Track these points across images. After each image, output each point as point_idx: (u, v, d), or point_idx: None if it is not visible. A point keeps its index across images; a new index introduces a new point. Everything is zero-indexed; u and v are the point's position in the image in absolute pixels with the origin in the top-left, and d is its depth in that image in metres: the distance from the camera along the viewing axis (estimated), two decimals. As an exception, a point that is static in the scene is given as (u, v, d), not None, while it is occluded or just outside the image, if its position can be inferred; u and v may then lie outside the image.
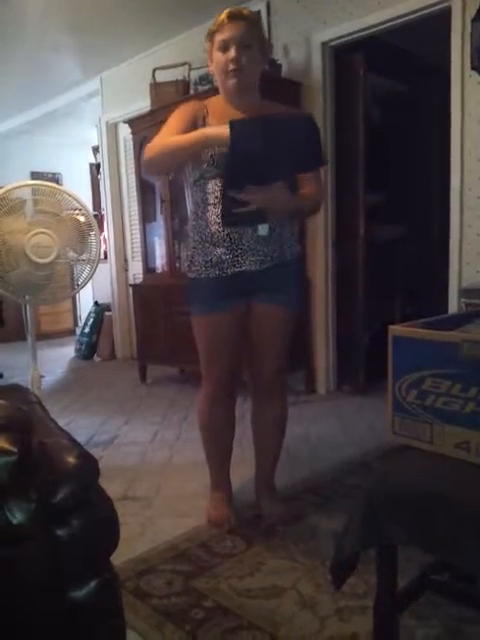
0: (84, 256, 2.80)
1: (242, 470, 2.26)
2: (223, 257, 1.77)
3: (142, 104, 4.23)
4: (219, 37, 1.75)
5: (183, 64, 3.85)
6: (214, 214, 1.76)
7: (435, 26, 2.99)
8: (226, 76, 1.77)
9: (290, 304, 1.90)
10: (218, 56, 1.76)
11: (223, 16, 1.76)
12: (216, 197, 1.74)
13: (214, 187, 1.75)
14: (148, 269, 4.35)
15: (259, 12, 1.87)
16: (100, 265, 3.03)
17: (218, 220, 1.74)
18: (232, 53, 1.73)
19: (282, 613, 1.49)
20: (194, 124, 1.78)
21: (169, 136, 1.74)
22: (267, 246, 1.78)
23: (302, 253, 1.90)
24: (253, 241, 1.76)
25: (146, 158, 1.74)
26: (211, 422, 1.98)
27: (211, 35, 1.78)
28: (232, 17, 1.75)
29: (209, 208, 1.77)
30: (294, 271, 1.90)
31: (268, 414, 2.01)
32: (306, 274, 3.61)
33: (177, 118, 1.81)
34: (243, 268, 1.78)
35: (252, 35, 1.76)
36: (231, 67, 1.74)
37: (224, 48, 1.74)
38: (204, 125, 1.77)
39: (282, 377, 2.01)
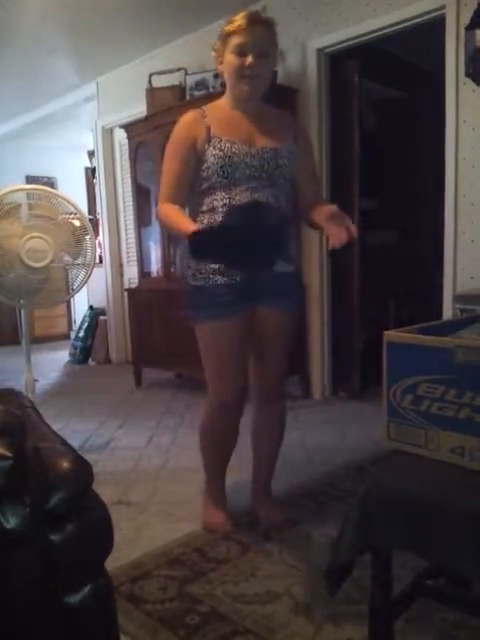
0: (79, 260, 2.80)
1: (237, 475, 2.25)
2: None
3: (138, 109, 4.24)
4: (236, 40, 1.68)
5: (179, 69, 3.87)
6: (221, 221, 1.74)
7: (429, 33, 3.01)
8: (240, 80, 1.72)
9: (294, 308, 1.92)
10: (232, 59, 1.70)
11: (242, 19, 1.69)
12: (224, 204, 1.73)
13: (222, 194, 1.73)
14: (143, 273, 4.35)
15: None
16: (95, 269, 3.02)
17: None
18: (250, 59, 1.68)
19: (277, 619, 1.48)
20: (193, 150, 1.73)
21: (171, 182, 1.76)
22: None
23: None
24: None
25: (157, 217, 1.88)
26: (217, 433, 1.95)
27: (226, 36, 1.71)
28: (252, 21, 1.69)
29: (217, 216, 1.74)
30: (297, 276, 1.94)
31: (269, 419, 2.00)
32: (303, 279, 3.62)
33: (173, 157, 1.77)
34: (250, 276, 1.77)
35: (270, 42, 1.73)
36: (248, 73, 1.70)
37: (240, 53, 1.69)
38: (208, 140, 1.72)
39: (284, 381, 2.02)
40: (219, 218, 1.73)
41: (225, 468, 2.03)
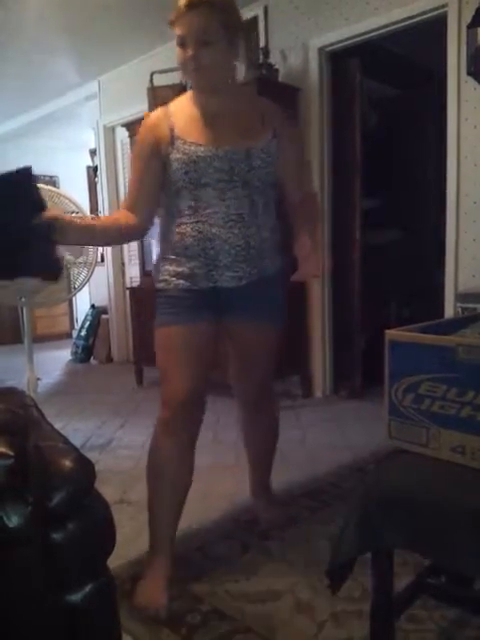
0: (81, 259, 2.80)
1: (238, 474, 2.26)
2: (196, 271, 1.59)
3: (140, 107, 4.24)
4: (176, 30, 1.50)
5: (180, 68, 3.86)
6: (189, 226, 1.58)
7: (431, 32, 3.00)
8: (186, 75, 1.57)
9: (272, 321, 1.73)
10: (177, 51, 1.52)
11: (181, 3, 1.48)
12: (189, 207, 1.58)
13: (188, 196, 1.57)
14: (145, 272, 4.35)
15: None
16: (97, 268, 3.03)
17: (193, 233, 1.57)
18: (189, 52, 1.49)
19: (278, 617, 1.48)
20: (156, 153, 1.58)
21: (130, 188, 1.66)
22: (246, 262, 1.60)
23: (286, 265, 1.72)
24: (231, 258, 1.58)
25: None
26: (162, 459, 1.62)
27: (171, 25, 1.53)
28: (190, 5, 1.47)
29: (183, 220, 1.59)
30: (275, 286, 1.70)
31: (258, 426, 1.95)
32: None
33: (134, 163, 1.66)
34: (218, 284, 1.60)
35: (215, 26, 1.48)
36: (190, 66, 1.51)
37: (181, 44, 1.50)
38: (172, 142, 1.56)
39: (269, 391, 1.91)
40: (186, 220, 1.59)
41: (175, 519, 1.64)
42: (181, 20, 1.49)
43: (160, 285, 1.66)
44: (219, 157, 1.54)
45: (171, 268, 1.63)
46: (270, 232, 1.65)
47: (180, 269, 1.61)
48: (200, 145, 1.55)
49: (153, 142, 1.59)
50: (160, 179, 1.61)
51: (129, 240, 1.89)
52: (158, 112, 1.64)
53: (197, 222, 1.57)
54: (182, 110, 1.62)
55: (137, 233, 1.69)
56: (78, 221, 1.53)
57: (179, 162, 1.55)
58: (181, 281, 1.61)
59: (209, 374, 1.69)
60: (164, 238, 1.67)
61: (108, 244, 2.58)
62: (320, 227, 1.75)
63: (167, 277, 1.63)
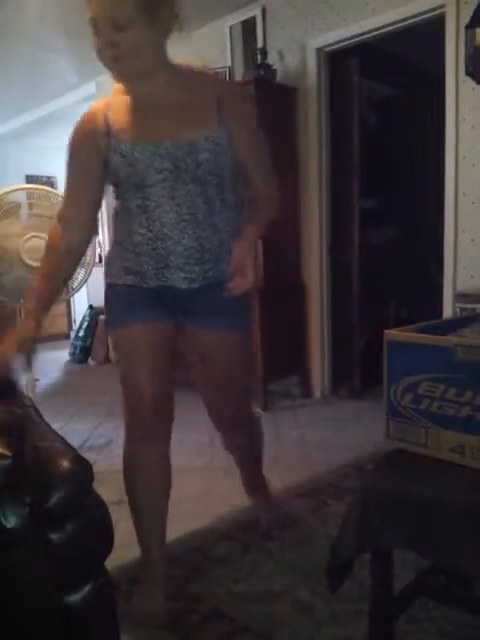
0: (79, 260, 2.80)
1: (236, 475, 2.25)
2: (145, 266, 1.47)
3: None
4: (88, 13, 1.30)
5: (179, 68, 3.86)
6: (137, 222, 1.46)
7: (429, 32, 3.01)
8: (104, 64, 1.38)
9: (236, 328, 1.58)
10: (92, 39, 1.33)
11: None
12: (137, 206, 1.44)
13: (135, 196, 1.45)
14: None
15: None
16: (95, 269, 3.02)
17: (141, 231, 1.45)
18: (103, 39, 1.31)
19: (277, 617, 1.48)
20: (94, 147, 1.44)
21: (66, 194, 1.53)
22: (200, 265, 1.45)
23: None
24: (182, 259, 1.44)
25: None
26: (135, 465, 1.58)
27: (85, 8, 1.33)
28: None
29: (133, 217, 1.47)
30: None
31: (235, 443, 1.87)
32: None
33: (68, 165, 1.50)
34: (168, 284, 1.47)
35: (128, 6, 1.27)
36: (107, 54, 1.34)
37: (95, 31, 1.32)
38: (108, 140, 1.42)
39: (244, 411, 1.77)
40: (135, 219, 1.46)
41: (161, 525, 1.61)
42: (90, 1, 1.30)
43: (108, 280, 1.56)
44: (160, 155, 1.39)
45: (120, 263, 1.52)
46: (229, 234, 1.48)
47: (129, 265, 1.50)
48: (137, 143, 1.40)
49: (88, 141, 1.45)
50: (101, 180, 1.49)
51: (77, 264, 1.72)
52: (96, 105, 1.49)
53: (147, 220, 1.44)
54: (115, 103, 1.46)
55: (77, 258, 1.59)
56: (26, 335, 1.42)
57: (116, 164, 1.42)
58: (130, 276, 1.50)
59: (172, 373, 1.59)
60: (115, 232, 1.57)
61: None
62: (261, 233, 1.57)
63: (116, 272, 1.53)
